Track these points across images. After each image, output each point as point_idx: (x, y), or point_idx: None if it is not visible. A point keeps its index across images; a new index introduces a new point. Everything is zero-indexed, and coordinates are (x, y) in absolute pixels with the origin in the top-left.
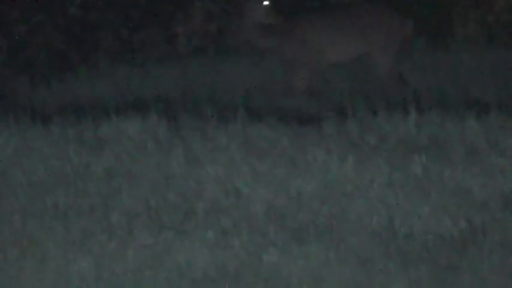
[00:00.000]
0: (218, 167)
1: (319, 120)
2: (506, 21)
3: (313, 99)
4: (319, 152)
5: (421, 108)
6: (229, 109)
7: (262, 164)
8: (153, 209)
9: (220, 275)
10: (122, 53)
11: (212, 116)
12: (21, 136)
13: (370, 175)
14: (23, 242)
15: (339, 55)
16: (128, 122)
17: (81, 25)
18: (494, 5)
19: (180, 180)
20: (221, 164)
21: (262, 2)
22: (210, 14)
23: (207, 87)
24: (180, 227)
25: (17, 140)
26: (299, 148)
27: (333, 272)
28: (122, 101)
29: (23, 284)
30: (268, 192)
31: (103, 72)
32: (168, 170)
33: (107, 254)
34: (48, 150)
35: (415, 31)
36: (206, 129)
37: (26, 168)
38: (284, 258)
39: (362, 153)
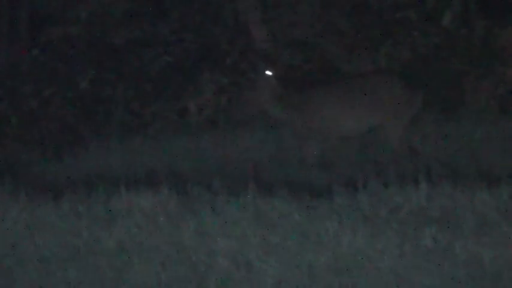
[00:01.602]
0: (229, 240)
1: (331, 193)
2: None
3: (324, 171)
4: (331, 225)
5: (432, 180)
6: (240, 182)
7: (274, 236)
8: (165, 283)
9: None
10: (133, 127)
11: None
12: (33, 211)
13: (381, 247)
14: None
15: (350, 127)
16: (139, 195)
17: (92, 99)
18: (505, 75)
19: (191, 253)
20: (232, 236)
21: (272, 75)
22: (221, 87)
23: (217, 160)
24: None
25: (28, 214)
26: (310, 220)
27: None
28: (133, 175)
29: None
30: (280, 265)
31: (114, 146)
32: (179, 243)
33: None
34: (59, 225)
35: (426, 103)
36: (217, 202)
37: (37, 243)
38: None
39: (373, 226)
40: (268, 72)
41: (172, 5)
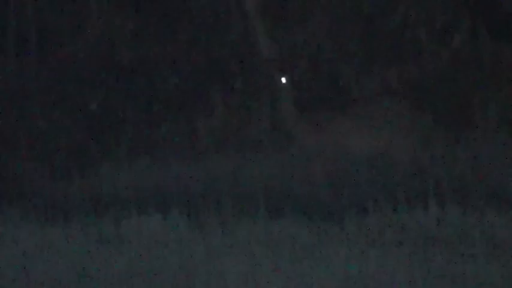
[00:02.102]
0: (239, 263)
1: (340, 215)
2: None
3: (334, 194)
4: (341, 247)
5: (441, 202)
6: (250, 204)
7: (284, 259)
8: None
9: None
10: (142, 148)
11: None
12: (42, 233)
13: (391, 270)
14: None
15: (360, 149)
16: (149, 218)
17: (102, 121)
18: None
19: (201, 276)
20: (242, 259)
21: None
22: (230, 108)
23: (227, 182)
24: None
25: (38, 237)
26: (320, 243)
27: None
28: (143, 197)
29: None
30: (290, 287)
31: (123, 169)
32: (190, 266)
33: None
34: (69, 248)
35: (435, 124)
36: (227, 225)
37: (47, 265)
38: None
39: (383, 248)
40: (284, 80)
41: (181, 26)
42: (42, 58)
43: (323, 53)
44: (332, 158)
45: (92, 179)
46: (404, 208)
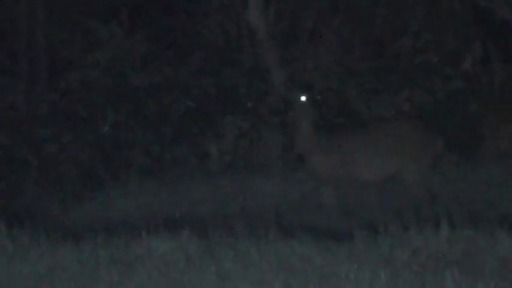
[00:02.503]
0: (250, 284)
1: (351, 237)
2: None
3: (344, 215)
4: (351, 268)
5: (452, 223)
6: (260, 226)
7: (295, 280)
8: None
9: None
10: (153, 171)
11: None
12: (53, 255)
13: None
14: None
15: (370, 171)
16: (159, 240)
17: (112, 143)
18: None
19: None
20: (253, 281)
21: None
22: (241, 131)
23: (238, 204)
24: None
25: (48, 258)
26: (331, 264)
27: None
28: (153, 219)
29: None
30: None
31: (134, 190)
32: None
33: None
34: (79, 269)
35: (446, 146)
36: (238, 246)
37: (57, 286)
38: None
39: (394, 269)
40: (303, 98)
41: (192, 49)
42: (52, 82)
43: (333, 76)
44: (342, 179)
45: (102, 201)
46: (414, 229)
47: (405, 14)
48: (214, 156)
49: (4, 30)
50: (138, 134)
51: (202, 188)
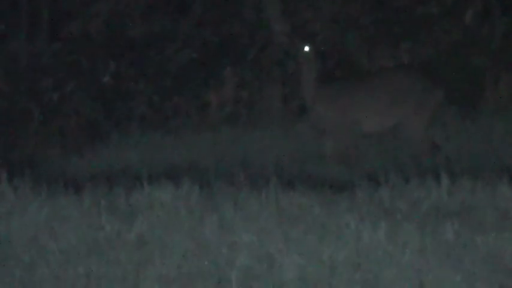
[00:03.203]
0: (251, 234)
1: (352, 187)
2: None
3: (345, 166)
4: (352, 219)
5: (453, 175)
6: (261, 176)
7: (295, 231)
8: (186, 277)
9: None
10: (154, 121)
11: (244, 183)
12: (54, 204)
13: (402, 242)
14: None
15: (372, 122)
16: (160, 189)
17: (113, 93)
18: None
19: (212, 247)
20: (254, 231)
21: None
22: (242, 81)
23: (239, 154)
24: None
25: (49, 208)
26: (331, 215)
27: None
28: (154, 169)
29: None
30: (301, 259)
31: (135, 140)
32: (201, 238)
33: None
34: (80, 219)
35: (447, 98)
36: (238, 197)
37: (58, 236)
38: None
39: (394, 220)
40: (307, 48)
41: (192, 0)
42: (53, 32)
43: (333, 26)
44: (344, 130)
45: (103, 151)
46: (415, 181)
47: None
48: (215, 107)
49: None
50: (139, 84)
51: (203, 138)
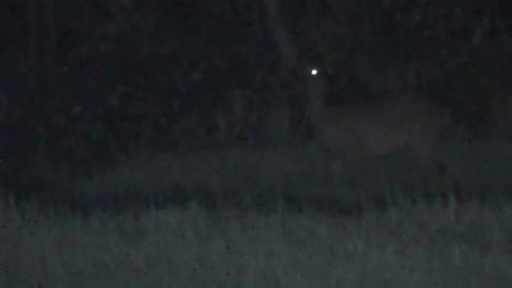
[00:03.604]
0: (258, 257)
1: (359, 210)
2: None
3: (353, 188)
4: (359, 241)
5: (460, 197)
6: (268, 199)
7: (302, 253)
8: None
9: None
10: (162, 143)
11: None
12: (62, 227)
13: (409, 264)
14: None
15: (379, 144)
16: (168, 212)
17: (121, 115)
18: None
19: (220, 270)
20: (261, 253)
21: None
22: (250, 103)
23: (246, 177)
24: None
25: (57, 230)
26: (339, 237)
27: None
28: (162, 191)
29: None
30: (308, 281)
31: (142, 163)
32: (208, 260)
33: None
34: (88, 241)
35: (454, 120)
36: (246, 219)
37: (65, 259)
38: None
39: (402, 242)
40: (314, 71)
41: (201, 21)
42: (62, 54)
43: (341, 48)
44: (351, 152)
45: (111, 173)
46: (423, 203)
47: None
48: (223, 129)
49: (14, 2)
50: (147, 107)
51: (210, 161)
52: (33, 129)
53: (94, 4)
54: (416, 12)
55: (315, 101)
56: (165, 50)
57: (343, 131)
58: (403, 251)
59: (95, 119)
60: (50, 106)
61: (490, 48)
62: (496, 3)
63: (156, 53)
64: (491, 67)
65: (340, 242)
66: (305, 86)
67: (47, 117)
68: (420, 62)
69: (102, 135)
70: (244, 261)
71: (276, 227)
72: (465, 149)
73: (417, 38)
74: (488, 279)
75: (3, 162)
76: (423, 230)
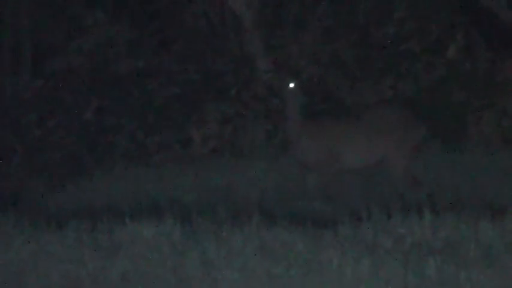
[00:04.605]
0: (233, 271)
1: (334, 223)
2: None
3: (328, 202)
4: (335, 255)
5: (435, 211)
6: (244, 212)
7: (278, 267)
8: None
9: None
10: (137, 156)
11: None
12: (36, 240)
13: (385, 278)
14: None
15: (355, 158)
16: (143, 225)
17: (96, 129)
18: (508, 107)
19: (195, 283)
20: (236, 267)
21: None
22: (225, 117)
23: (221, 190)
24: None
25: (32, 244)
26: (314, 251)
27: None
28: (137, 205)
29: None
30: None
31: (118, 176)
32: (183, 274)
33: None
34: (63, 255)
35: (430, 133)
36: (221, 233)
37: (41, 273)
38: None
39: (377, 256)
40: (292, 85)
41: (176, 36)
42: (36, 68)
43: (316, 63)
44: (326, 166)
45: (86, 186)
46: (398, 217)
47: (389, 1)
48: (198, 143)
49: None
50: (122, 120)
51: (186, 174)
52: (8, 143)
53: (69, 18)
54: (392, 27)
55: (291, 114)
56: (140, 63)
57: (319, 144)
58: (379, 264)
59: (70, 133)
60: (25, 119)
61: (464, 63)
62: (470, 18)
63: (131, 67)
64: (466, 81)
65: (316, 255)
66: (281, 99)
67: (22, 130)
68: (396, 76)
69: (77, 148)
70: (219, 274)
71: (251, 240)
72: (441, 162)
73: (393, 52)
74: None
75: None
76: (398, 244)
